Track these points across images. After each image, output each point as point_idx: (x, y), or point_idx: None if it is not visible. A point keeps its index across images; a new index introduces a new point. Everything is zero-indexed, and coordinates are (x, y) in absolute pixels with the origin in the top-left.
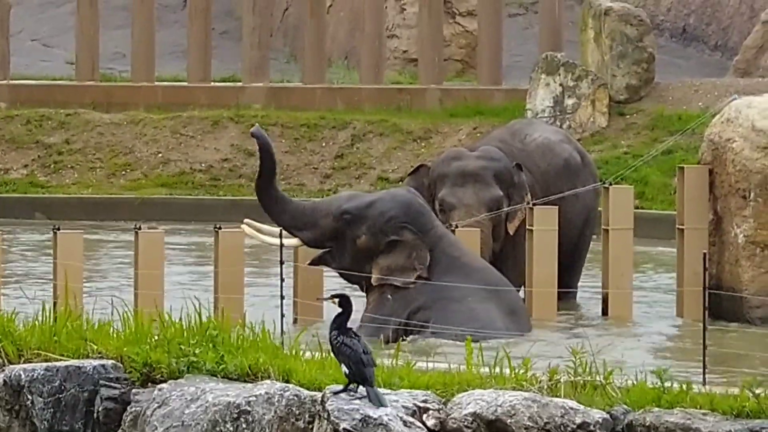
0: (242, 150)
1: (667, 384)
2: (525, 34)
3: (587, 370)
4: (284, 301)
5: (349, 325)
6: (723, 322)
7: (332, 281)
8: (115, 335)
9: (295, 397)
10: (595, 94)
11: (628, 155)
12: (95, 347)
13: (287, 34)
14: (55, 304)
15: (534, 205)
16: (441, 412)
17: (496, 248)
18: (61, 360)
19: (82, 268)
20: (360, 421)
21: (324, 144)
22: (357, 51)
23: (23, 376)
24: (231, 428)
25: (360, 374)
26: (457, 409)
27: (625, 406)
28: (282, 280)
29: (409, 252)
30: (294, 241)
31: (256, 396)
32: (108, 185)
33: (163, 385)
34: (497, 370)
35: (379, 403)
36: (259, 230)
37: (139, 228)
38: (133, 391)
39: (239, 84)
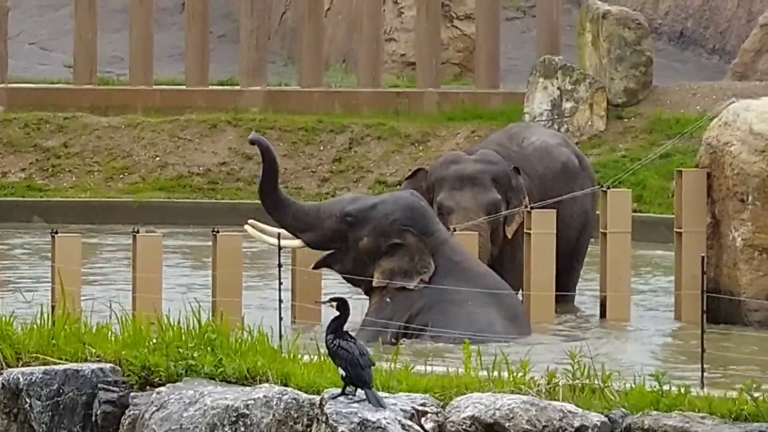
0: (240, 153)
1: (666, 387)
2: (523, 37)
3: (585, 373)
4: (282, 304)
5: (348, 328)
6: (721, 325)
7: (330, 284)
8: (113, 338)
9: (294, 401)
10: (593, 98)
11: (626, 158)
12: (93, 350)
13: (285, 37)
14: (53, 307)
15: (532, 208)
16: (439, 415)
17: (495, 252)
18: (59, 363)
19: (81, 271)
20: (358, 424)
21: (322, 147)
22: (355, 54)
23: (21, 379)
24: None
25: (357, 377)
26: (455, 413)
27: (624, 410)
28: (280, 283)
29: (412, 255)
30: (296, 243)
31: (254, 399)
32: (106, 189)
33: (162, 388)
34: (495, 373)
35: (378, 404)
36: (262, 231)
37: (137, 231)
38: (132, 394)
39: (237, 87)
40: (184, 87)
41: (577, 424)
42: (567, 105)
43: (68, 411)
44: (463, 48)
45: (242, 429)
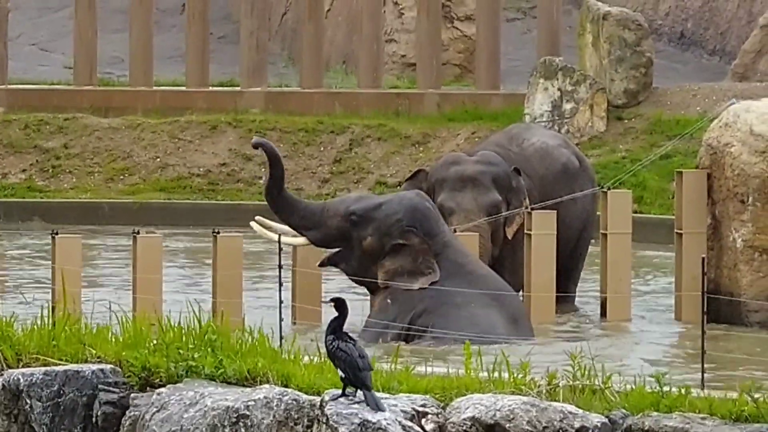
0: (240, 155)
1: (666, 388)
2: (523, 38)
3: (586, 374)
4: (283, 305)
5: (350, 329)
6: (721, 326)
7: (331, 285)
8: (113, 339)
9: (294, 402)
10: (593, 99)
11: (626, 160)
12: (94, 351)
13: (285, 39)
14: (53, 308)
15: (532, 209)
16: (440, 416)
17: (495, 253)
18: (59, 364)
19: (81, 272)
20: (359, 425)
21: (322, 148)
22: (355, 55)
23: (22, 380)
24: None
25: (356, 378)
26: (455, 414)
27: (624, 411)
28: (280, 284)
29: (415, 256)
30: (301, 240)
31: (254, 400)
32: (106, 190)
33: (162, 389)
34: (496, 374)
35: (377, 407)
36: (269, 228)
37: (138, 232)
38: (132, 395)
39: (237, 88)
40: (184, 88)
41: (577, 425)
42: (567, 106)
43: (69, 412)
44: (464, 49)
45: (243, 430)
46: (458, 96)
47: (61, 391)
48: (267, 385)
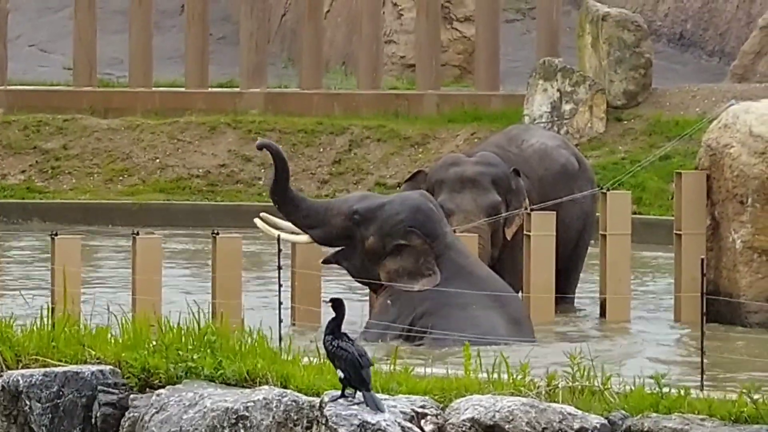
0: (240, 156)
1: (665, 389)
2: (522, 39)
3: (585, 375)
4: (282, 306)
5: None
6: (721, 327)
7: (330, 286)
8: (113, 341)
9: (293, 403)
10: (592, 100)
11: (625, 161)
12: (93, 353)
13: (285, 39)
14: (53, 309)
15: (532, 210)
16: (439, 417)
17: (495, 254)
18: (59, 365)
19: (80, 273)
20: (358, 426)
21: (321, 149)
22: (354, 56)
23: (21, 381)
24: None
25: (357, 378)
26: (455, 415)
27: (623, 412)
28: (280, 285)
29: (416, 257)
30: (304, 238)
31: (254, 401)
32: (105, 191)
33: (161, 390)
34: (495, 375)
35: (376, 408)
36: (273, 225)
37: (137, 233)
38: (131, 396)
39: (237, 89)
40: (183, 89)
41: (576, 426)
42: (567, 107)
43: (68, 413)
44: (463, 50)
45: (242, 431)
46: (457, 97)
47: (61, 393)
48: (266, 386)
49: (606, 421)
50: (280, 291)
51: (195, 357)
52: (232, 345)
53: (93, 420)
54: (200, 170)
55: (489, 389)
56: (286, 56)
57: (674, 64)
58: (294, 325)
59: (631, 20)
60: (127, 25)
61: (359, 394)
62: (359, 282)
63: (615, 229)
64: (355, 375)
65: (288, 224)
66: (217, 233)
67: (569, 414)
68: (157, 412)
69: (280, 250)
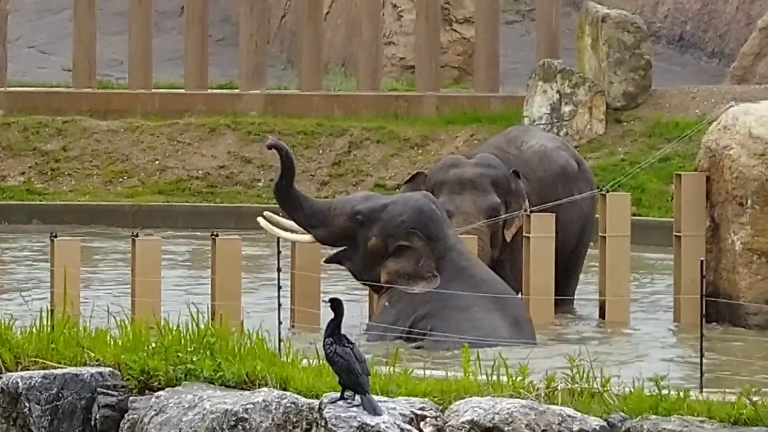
0: (239, 157)
1: (665, 391)
2: (522, 41)
3: (584, 377)
4: (281, 308)
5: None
6: (720, 328)
7: (330, 288)
8: (112, 342)
9: (293, 405)
10: (592, 101)
11: (625, 162)
12: (92, 355)
13: (284, 41)
14: (52, 311)
15: (531, 212)
16: (438, 419)
17: (495, 255)
18: (58, 367)
19: (80, 275)
20: (357, 428)
21: (321, 151)
22: (354, 58)
23: (20, 383)
24: None
25: (353, 383)
26: (454, 417)
27: (623, 414)
28: (279, 287)
29: (417, 258)
30: (306, 238)
31: (253, 403)
32: (105, 192)
33: (161, 392)
34: (494, 377)
35: (374, 411)
36: (277, 223)
37: (137, 235)
38: (131, 398)
39: (236, 91)
40: (183, 90)
41: (576, 428)
42: (566, 108)
43: (67, 415)
44: (463, 51)
45: None
46: (457, 98)
47: (60, 395)
48: (265, 389)
49: (605, 423)
50: (279, 293)
51: (194, 359)
52: (232, 347)
53: (92, 422)
54: (200, 172)
55: (488, 391)
56: (285, 58)
57: (674, 66)
58: (293, 327)
59: (631, 22)
60: (127, 26)
61: (358, 396)
62: (361, 282)
63: (614, 231)
64: (351, 381)
65: (291, 223)
66: (217, 235)
67: (568, 416)
68: (156, 414)
69: (279, 252)
